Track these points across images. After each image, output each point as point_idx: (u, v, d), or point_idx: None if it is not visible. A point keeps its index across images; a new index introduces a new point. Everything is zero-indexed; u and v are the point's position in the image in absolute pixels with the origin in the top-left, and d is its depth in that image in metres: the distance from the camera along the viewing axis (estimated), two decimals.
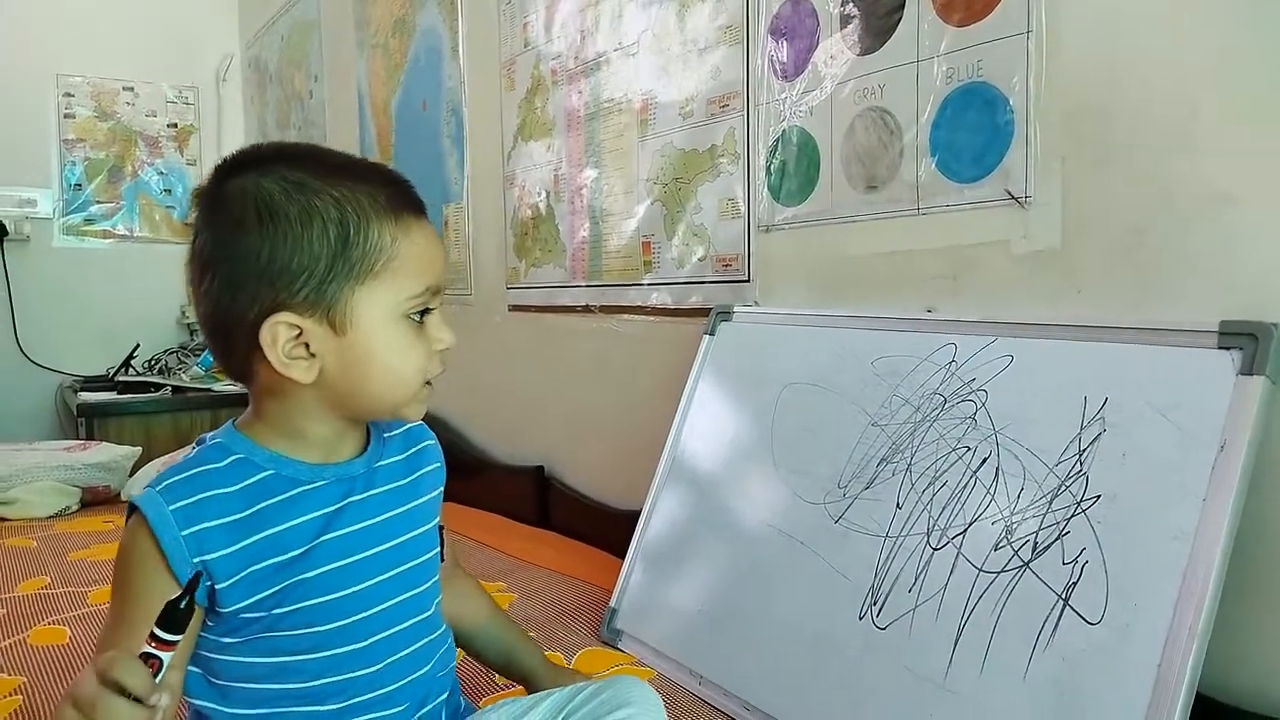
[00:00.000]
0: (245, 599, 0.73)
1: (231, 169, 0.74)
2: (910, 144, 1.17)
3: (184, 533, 0.70)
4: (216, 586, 0.71)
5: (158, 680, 0.58)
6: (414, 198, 0.78)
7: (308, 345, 0.72)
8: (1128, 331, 0.94)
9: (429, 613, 0.84)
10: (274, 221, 0.71)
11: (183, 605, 0.58)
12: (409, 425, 0.87)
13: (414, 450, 0.87)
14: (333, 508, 0.77)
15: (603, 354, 1.78)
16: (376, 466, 0.81)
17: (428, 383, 0.78)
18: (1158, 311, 0.94)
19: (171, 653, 0.59)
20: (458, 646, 0.93)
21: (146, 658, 0.58)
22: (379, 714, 0.80)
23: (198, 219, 0.75)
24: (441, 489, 0.89)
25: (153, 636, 0.58)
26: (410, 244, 0.75)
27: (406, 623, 0.81)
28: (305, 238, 0.71)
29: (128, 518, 0.74)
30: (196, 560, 0.70)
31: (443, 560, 0.89)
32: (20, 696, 1.16)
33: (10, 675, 1.22)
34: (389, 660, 0.80)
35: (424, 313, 0.76)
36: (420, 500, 0.85)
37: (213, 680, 0.77)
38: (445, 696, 0.88)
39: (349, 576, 0.77)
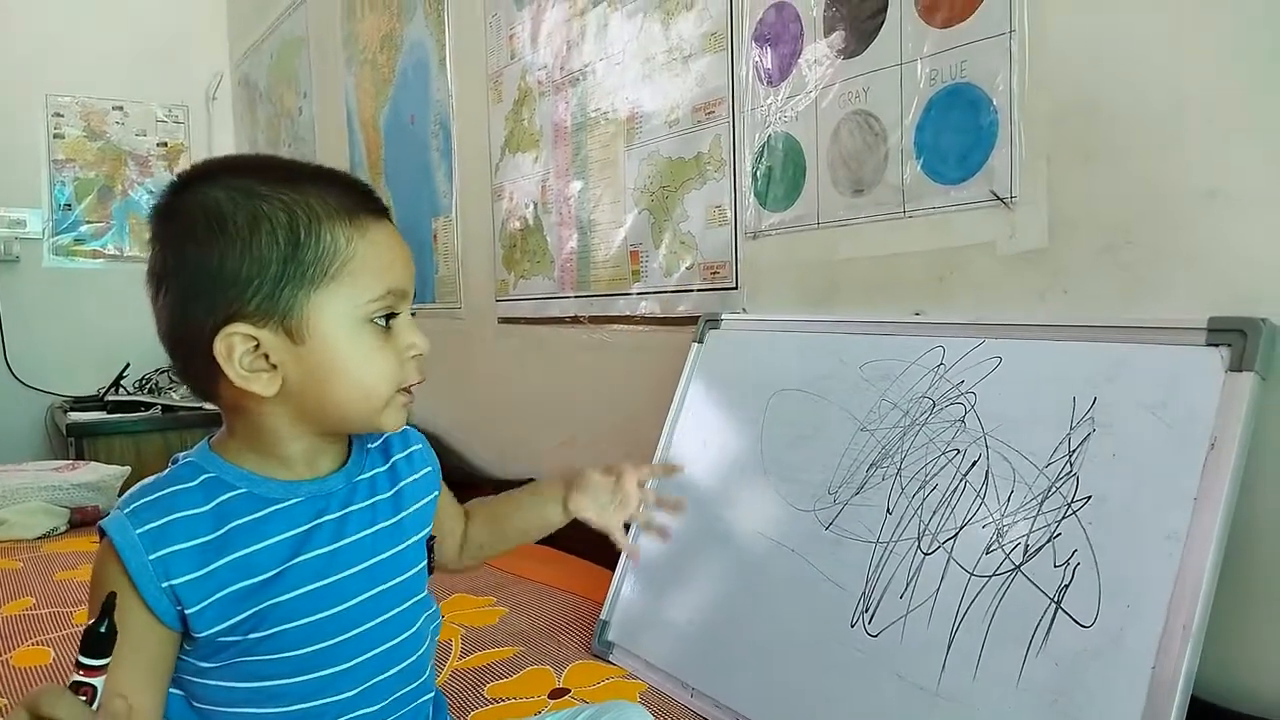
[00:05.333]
0: (218, 624, 0.70)
1: (184, 182, 0.72)
2: (895, 147, 1.16)
3: (151, 557, 0.68)
4: (186, 612, 0.69)
5: (95, 707, 0.55)
6: (372, 199, 0.75)
7: (267, 356, 0.70)
8: (1116, 330, 0.93)
9: (412, 629, 0.81)
10: (221, 229, 0.68)
11: (103, 629, 0.56)
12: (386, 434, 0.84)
13: (398, 458, 0.83)
14: (304, 527, 0.74)
15: (592, 365, 1.77)
16: (356, 481, 0.78)
17: (407, 390, 0.75)
18: (1146, 309, 0.94)
19: (103, 677, 0.56)
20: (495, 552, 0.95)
21: (78, 686, 0.55)
22: None
23: (151, 234, 0.73)
24: (435, 494, 0.86)
25: (79, 664, 0.56)
26: (368, 244, 0.72)
27: (389, 642, 0.78)
28: (253, 244, 0.68)
29: (99, 541, 0.72)
30: (165, 585, 0.68)
31: (431, 573, 0.86)
32: (2, 718, 1.14)
33: None
34: (372, 682, 0.77)
35: (390, 317, 0.73)
36: (405, 512, 0.81)
37: (194, 704, 0.74)
38: (431, 713, 0.85)
39: (325, 598, 0.74)
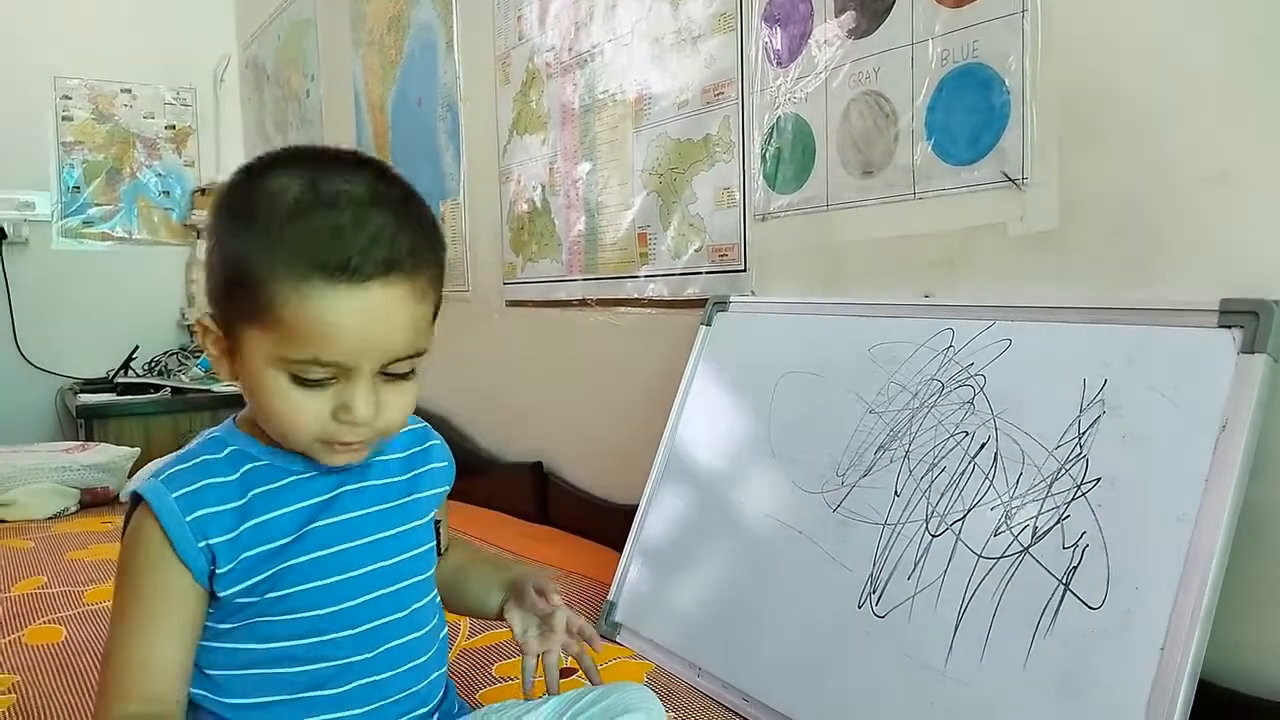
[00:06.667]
0: (239, 584, 0.74)
1: (247, 170, 0.74)
2: (906, 128, 1.15)
3: (188, 518, 0.72)
4: (216, 571, 0.73)
5: None
6: (358, 266, 0.67)
7: (228, 351, 0.74)
8: (1127, 312, 0.92)
9: (422, 602, 0.84)
10: (210, 229, 0.74)
11: None
12: (411, 424, 0.87)
13: (417, 449, 0.87)
14: (324, 496, 0.78)
15: (600, 347, 1.76)
16: (372, 460, 0.81)
17: (341, 442, 0.73)
18: (1157, 291, 0.93)
19: None
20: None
21: None
22: (373, 705, 0.79)
23: None
24: (445, 489, 0.89)
25: None
26: (308, 311, 0.67)
27: (400, 613, 0.81)
28: (215, 252, 0.73)
29: (130, 512, 0.76)
30: (202, 544, 0.72)
31: (440, 554, 0.88)
32: (15, 695, 1.15)
33: (6, 674, 1.21)
34: (382, 648, 0.79)
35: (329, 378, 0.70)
36: (418, 495, 0.85)
37: (205, 671, 0.76)
38: (442, 692, 0.87)
39: (338, 563, 0.77)
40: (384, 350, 0.70)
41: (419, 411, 0.83)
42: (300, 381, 0.70)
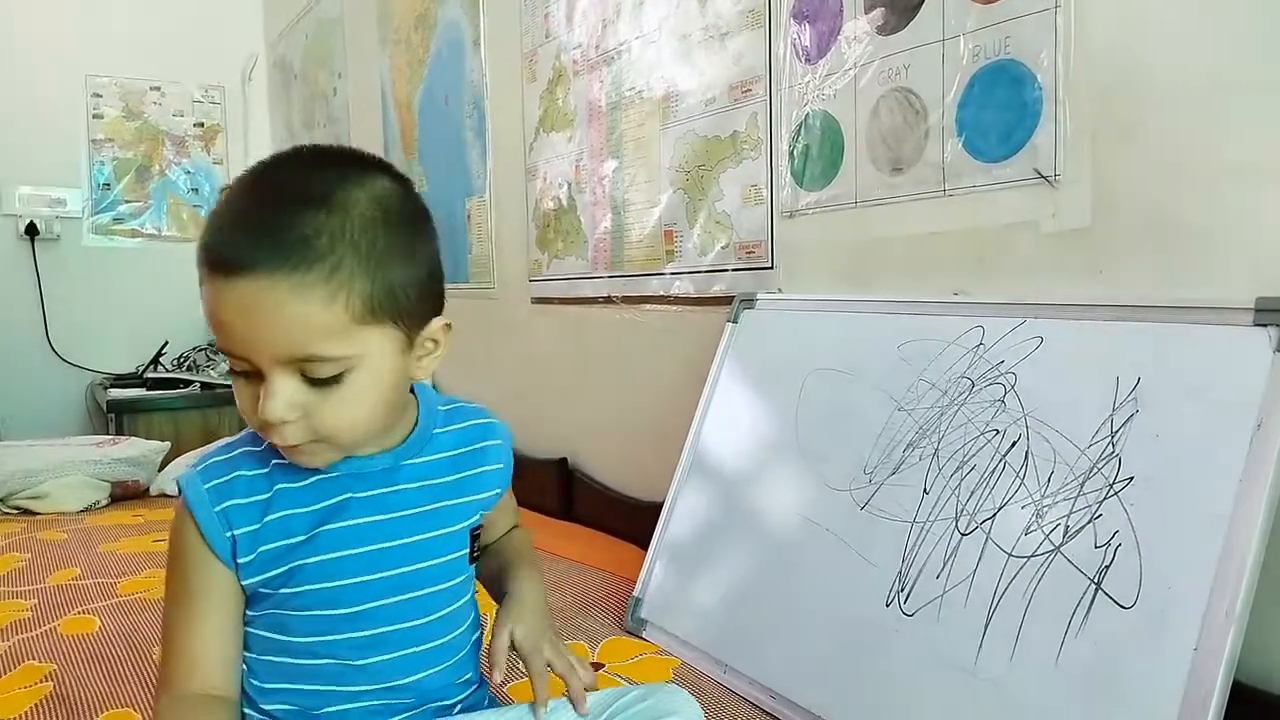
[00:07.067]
0: (257, 575, 0.75)
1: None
2: (936, 124, 1.15)
3: (216, 509, 0.74)
4: (239, 560, 0.74)
5: None
6: (223, 254, 0.65)
7: None
8: (1160, 310, 0.92)
9: (446, 610, 0.81)
10: None
11: None
12: (472, 420, 0.86)
13: (468, 449, 0.85)
14: (334, 500, 0.76)
15: (625, 345, 1.77)
16: (404, 463, 0.79)
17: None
18: (1191, 289, 0.92)
19: None
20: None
21: None
22: (387, 702, 0.79)
23: None
24: (496, 491, 0.86)
25: None
26: (203, 299, 0.68)
27: (418, 620, 0.79)
28: None
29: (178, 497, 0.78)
30: (228, 534, 0.74)
31: (471, 560, 0.85)
32: (51, 683, 1.17)
33: (41, 663, 1.23)
34: (397, 654, 0.78)
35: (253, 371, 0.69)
36: (457, 501, 0.82)
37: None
38: (466, 693, 0.85)
39: (347, 568, 0.76)
40: (264, 349, 0.66)
41: None
42: (235, 372, 0.70)
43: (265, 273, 0.64)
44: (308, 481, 0.76)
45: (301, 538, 0.75)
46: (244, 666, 0.78)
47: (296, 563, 0.75)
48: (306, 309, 0.65)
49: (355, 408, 0.70)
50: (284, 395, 0.67)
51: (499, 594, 0.89)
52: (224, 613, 0.75)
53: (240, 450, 0.77)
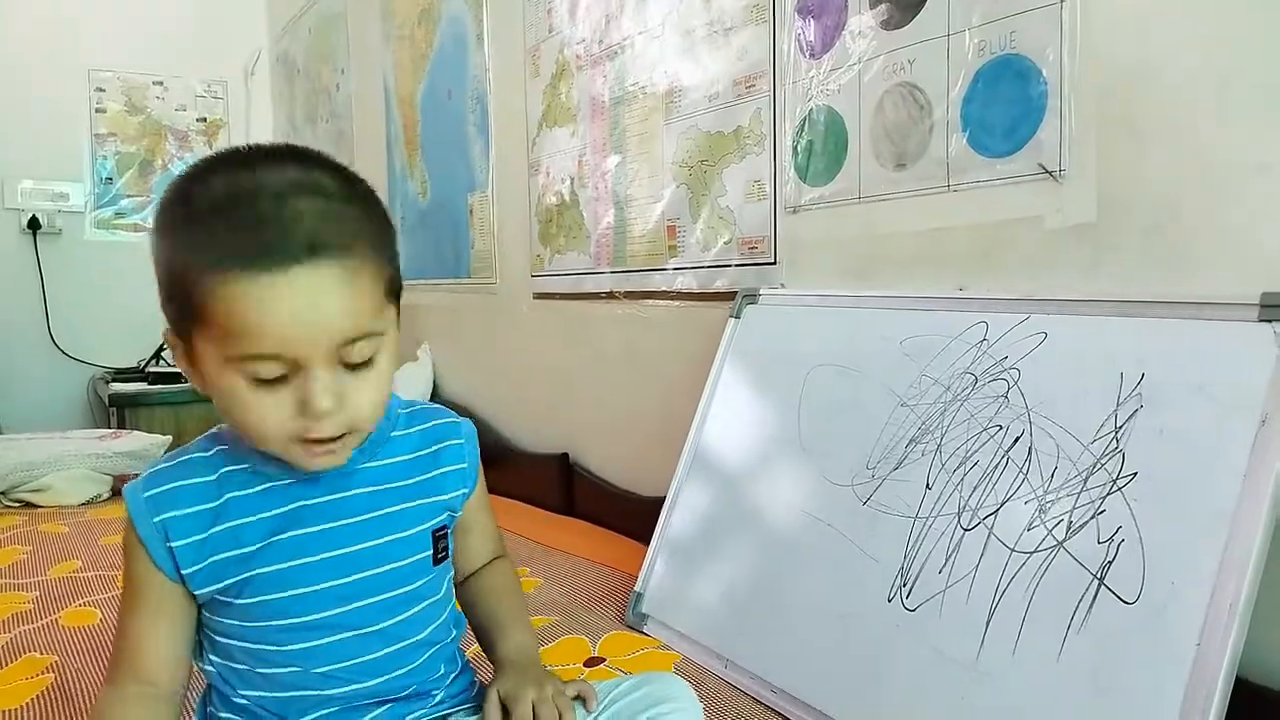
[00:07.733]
0: (209, 585, 0.74)
1: (180, 177, 0.71)
2: (941, 119, 1.15)
3: (155, 519, 0.73)
4: (183, 572, 0.73)
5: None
6: (274, 246, 0.63)
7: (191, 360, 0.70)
8: (1165, 306, 0.91)
9: (411, 612, 0.79)
10: (150, 233, 0.70)
11: None
12: (434, 420, 0.84)
13: (428, 451, 0.83)
14: (288, 507, 0.75)
15: (627, 340, 1.77)
16: (359, 468, 0.78)
17: (313, 440, 0.69)
18: (1196, 285, 0.92)
19: None
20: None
21: None
22: (356, 705, 0.78)
23: None
24: (463, 492, 0.84)
25: None
26: (232, 303, 0.63)
27: (380, 624, 0.78)
28: (155, 260, 0.69)
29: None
30: (166, 545, 0.73)
31: (437, 562, 0.82)
32: (52, 674, 1.17)
33: (43, 654, 1.24)
34: (362, 659, 0.77)
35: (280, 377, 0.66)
36: (416, 503, 0.81)
37: (210, 655, 0.78)
38: (445, 686, 0.84)
39: (304, 576, 0.75)
40: (325, 336, 0.65)
41: (448, 404, 0.81)
42: (258, 381, 0.66)
43: (326, 256, 0.64)
44: (259, 489, 0.75)
45: (254, 547, 0.74)
46: (214, 669, 0.78)
47: (251, 572, 0.74)
48: (362, 287, 0.67)
49: (379, 390, 0.71)
50: (331, 384, 0.66)
51: (488, 648, 0.89)
52: (167, 615, 0.75)
53: (186, 457, 0.76)
